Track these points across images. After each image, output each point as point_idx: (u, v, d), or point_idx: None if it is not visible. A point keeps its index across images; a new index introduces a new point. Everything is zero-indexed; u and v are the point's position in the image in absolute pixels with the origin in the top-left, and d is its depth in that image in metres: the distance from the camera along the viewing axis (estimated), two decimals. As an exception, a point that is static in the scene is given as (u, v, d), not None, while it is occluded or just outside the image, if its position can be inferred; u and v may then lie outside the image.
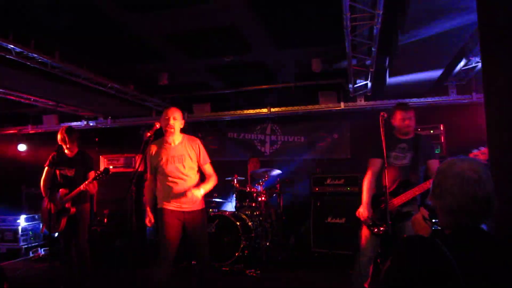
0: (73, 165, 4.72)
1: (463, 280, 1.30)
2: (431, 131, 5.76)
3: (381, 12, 3.55)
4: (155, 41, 5.02)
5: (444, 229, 1.55)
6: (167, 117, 3.74)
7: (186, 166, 3.79)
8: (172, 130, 3.74)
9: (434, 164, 3.72)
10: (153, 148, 3.85)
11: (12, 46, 4.33)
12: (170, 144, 3.82)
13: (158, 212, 3.80)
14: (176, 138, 3.83)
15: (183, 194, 3.71)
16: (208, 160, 3.96)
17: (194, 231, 3.80)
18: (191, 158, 3.83)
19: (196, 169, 3.91)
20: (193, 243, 3.84)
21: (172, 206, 3.76)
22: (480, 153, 3.19)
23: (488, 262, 1.37)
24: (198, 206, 3.86)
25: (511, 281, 1.35)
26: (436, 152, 5.62)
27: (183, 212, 3.76)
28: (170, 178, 3.77)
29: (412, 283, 1.33)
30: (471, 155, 3.21)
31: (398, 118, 3.77)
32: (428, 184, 3.44)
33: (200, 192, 3.74)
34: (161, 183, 3.84)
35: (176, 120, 3.76)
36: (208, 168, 3.95)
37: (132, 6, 4.07)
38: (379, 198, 3.77)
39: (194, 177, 3.87)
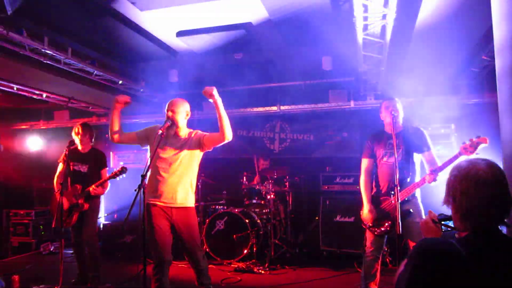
0: (87, 161, 4.75)
1: (481, 283, 1.29)
2: (442, 131, 5.70)
3: (394, 11, 3.53)
4: (166, 38, 5.04)
5: (459, 231, 1.52)
6: (165, 111, 3.58)
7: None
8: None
9: (427, 156, 3.58)
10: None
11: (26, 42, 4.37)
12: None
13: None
14: (179, 131, 3.62)
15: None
16: None
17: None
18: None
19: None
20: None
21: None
22: (469, 146, 3.12)
23: (507, 265, 1.34)
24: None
25: None
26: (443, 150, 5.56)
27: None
28: None
29: (429, 286, 1.32)
30: (461, 148, 3.15)
31: (385, 112, 3.67)
32: (424, 180, 3.38)
33: None
34: None
35: (175, 113, 3.55)
36: None
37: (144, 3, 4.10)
38: (379, 198, 3.71)
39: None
